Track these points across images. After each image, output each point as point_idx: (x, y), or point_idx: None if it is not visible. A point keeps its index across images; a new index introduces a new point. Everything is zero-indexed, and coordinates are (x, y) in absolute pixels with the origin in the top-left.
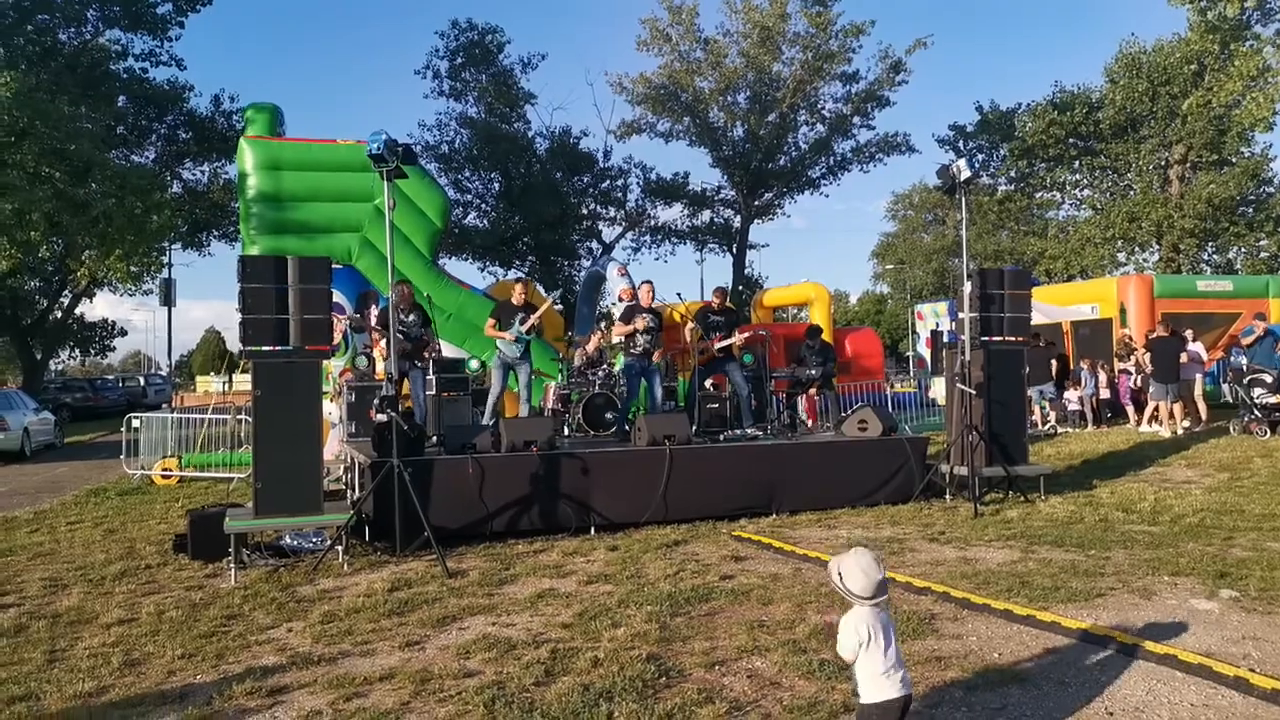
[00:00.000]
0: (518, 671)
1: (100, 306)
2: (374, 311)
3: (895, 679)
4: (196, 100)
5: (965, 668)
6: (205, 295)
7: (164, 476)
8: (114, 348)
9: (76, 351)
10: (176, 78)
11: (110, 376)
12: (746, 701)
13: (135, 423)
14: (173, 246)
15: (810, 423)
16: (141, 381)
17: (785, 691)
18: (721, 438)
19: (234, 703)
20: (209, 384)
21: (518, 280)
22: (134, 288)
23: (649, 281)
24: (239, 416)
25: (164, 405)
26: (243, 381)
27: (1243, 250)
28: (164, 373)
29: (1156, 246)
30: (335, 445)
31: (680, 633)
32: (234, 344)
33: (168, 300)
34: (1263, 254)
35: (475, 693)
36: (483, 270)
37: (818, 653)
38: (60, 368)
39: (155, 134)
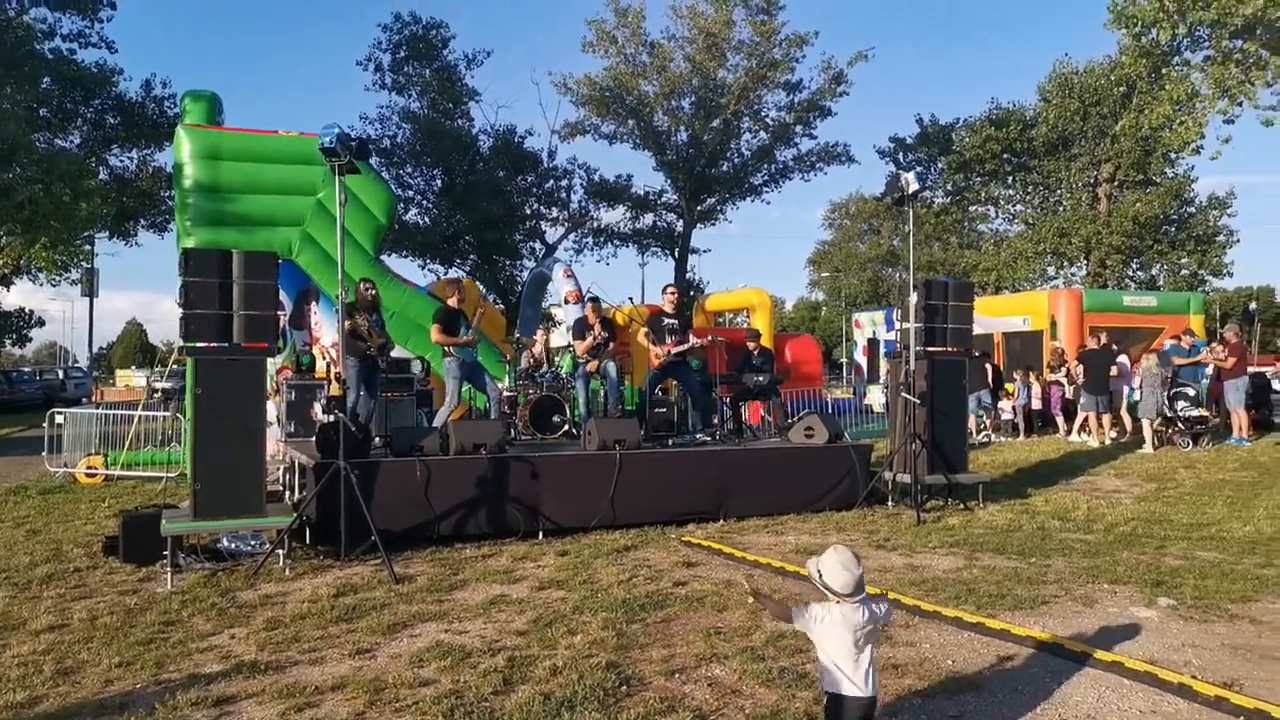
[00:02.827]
0: (475, 680)
1: (14, 295)
2: (314, 308)
3: (869, 677)
4: (126, 84)
5: (921, 675)
6: (127, 286)
7: (88, 474)
8: (31, 338)
9: None
10: (106, 60)
11: (27, 369)
12: (709, 710)
13: (59, 418)
14: (99, 235)
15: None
16: (60, 375)
17: (747, 699)
18: (670, 443)
19: (178, 713)
20: (130, 378)
21: (451, 282)
22: (58, 277)
23: (595, 299)
24: (176, 414)
25: (84, 400)
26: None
27: (1165, 267)
28: (84, 365)
29: (1085, 261)
30: (272, 444)
31: (638, 640)
32: (156, 337)
33: (90, 291)
34: (1184, 271)
35: (432, 702)
36: (423, 268)
37: (776, 660)
38: None
39: (81, 118)
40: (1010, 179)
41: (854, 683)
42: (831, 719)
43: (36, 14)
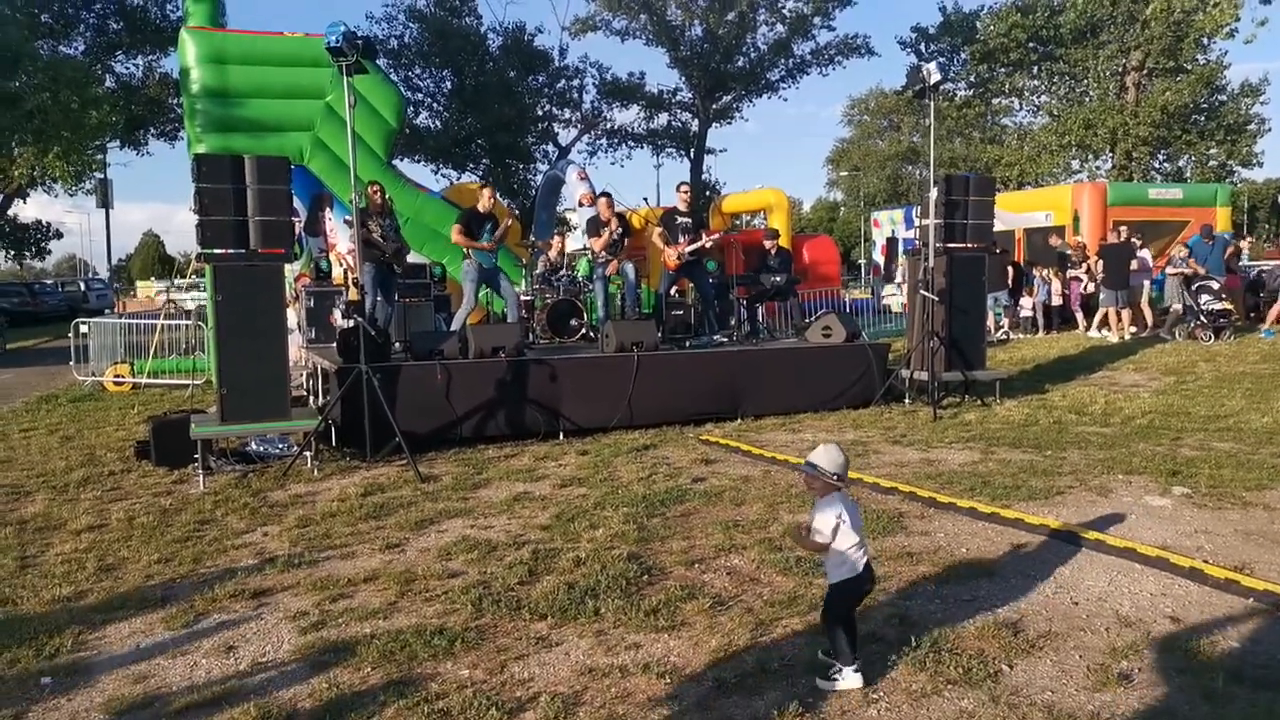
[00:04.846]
0: (501, 571)
1: (31, 207)
2: (329, 214)
3: (861, 552)
4: None
5: (935, 562)
6: (142, 197)
7: (116, 383)
8: (50, 251)
9: (10, 254)
10: None
11: (49, 281)
12: (728, 596)
13: (84, 328)
14: (110, 145)
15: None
16: (82, 286)
17: (765, 587)
18: (687, 344)
19: (218, 604)
20: (151, 288)
21: (484, 185)
22: (73, 188)
23: (607, 194)
24: (198, 322)
25: (107, 311)
26: (188, 286)
27: (1192, 158)
28: (104, 277)
29: (1110, 154)
30: (294, 351)
31: (658, 533)
32: (174, 248)
33: (105, 202)
34: (1211, 162)
35: (461, 592)
36: (436, 173)
37: (793, 550)
38: None
39: (84, 23)
40: (1036, 69)
41: (865, 556)
42: (853, 598)
43: None
